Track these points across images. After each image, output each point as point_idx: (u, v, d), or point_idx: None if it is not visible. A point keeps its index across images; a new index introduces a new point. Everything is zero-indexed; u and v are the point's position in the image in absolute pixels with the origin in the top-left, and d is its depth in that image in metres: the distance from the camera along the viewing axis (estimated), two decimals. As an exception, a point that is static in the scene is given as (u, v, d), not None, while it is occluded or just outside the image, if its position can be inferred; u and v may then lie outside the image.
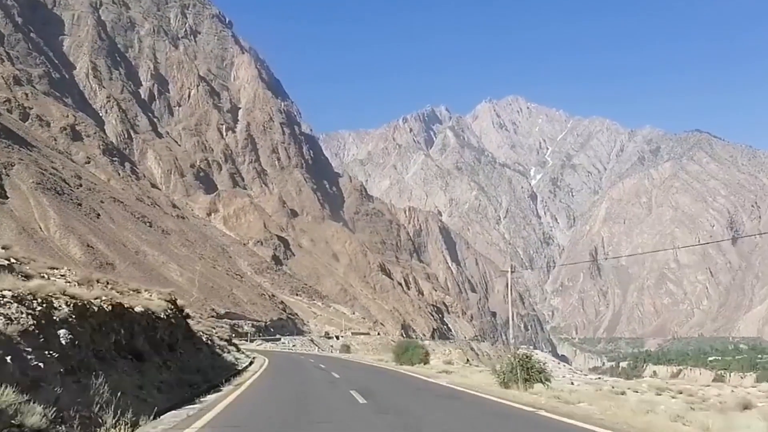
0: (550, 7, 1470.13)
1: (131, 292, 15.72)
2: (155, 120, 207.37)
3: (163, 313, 14.55)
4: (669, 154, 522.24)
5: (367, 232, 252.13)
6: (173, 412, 10.12)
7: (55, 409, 6.51)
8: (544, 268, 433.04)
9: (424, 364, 33.24)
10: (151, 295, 16.40)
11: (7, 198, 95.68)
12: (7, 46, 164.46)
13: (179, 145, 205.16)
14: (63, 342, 7.72)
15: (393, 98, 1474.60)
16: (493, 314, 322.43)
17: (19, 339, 6.94)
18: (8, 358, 6.54)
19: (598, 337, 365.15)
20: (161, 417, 9.31)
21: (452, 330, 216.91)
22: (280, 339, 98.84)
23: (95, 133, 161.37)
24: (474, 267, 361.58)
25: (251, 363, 29.86)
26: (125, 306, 11.43)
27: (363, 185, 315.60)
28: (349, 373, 25.90)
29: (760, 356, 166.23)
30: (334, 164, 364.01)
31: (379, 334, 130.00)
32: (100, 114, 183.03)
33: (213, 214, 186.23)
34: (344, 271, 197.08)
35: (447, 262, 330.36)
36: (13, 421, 5.80)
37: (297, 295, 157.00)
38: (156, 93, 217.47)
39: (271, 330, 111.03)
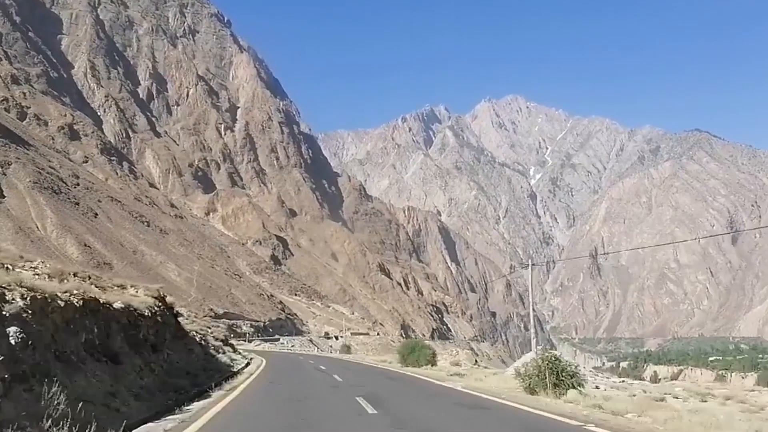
0: (550, 7, 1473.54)
1: (115, 287, 14.47)
2: (153, 119, 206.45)
3: (147, 311, 13.16)
4: (669, 153, 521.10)
5: (366, 231, 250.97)
6: (148, 425, 8.65)
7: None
8: (544, 267, 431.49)
9: (432, 365, 31.07)
10: (137, 291, 15.13)
11: (4, 197, 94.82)
12: (5, 45, 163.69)
13: (177, 145, 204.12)
14: (12, 342, 6.47)
15: (392, 98, 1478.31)
16: (493, 314, 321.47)
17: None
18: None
19: (598, 337, 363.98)
20: (131, 432, 7.86)
21: (452, 330, 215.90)
22: (278, 339, 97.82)
23: (93, 132, 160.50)
24: (473, 267, 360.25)
25: (247, 364, 28.72)
26: (101, 301, 10.10)
27: (362, 185, 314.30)
28: (352, 375, 24.62)
29: (761, 356, 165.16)
30: (333, 164, 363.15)
31: (378, 334, 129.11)
32: (98, 113, 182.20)
33: (211, 213, 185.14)
34: (343, 271, 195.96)
35: (446, 262, 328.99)
36: None
37: (296, 295, 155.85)
38: (154, 92, 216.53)
39: (270, 330, 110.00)
